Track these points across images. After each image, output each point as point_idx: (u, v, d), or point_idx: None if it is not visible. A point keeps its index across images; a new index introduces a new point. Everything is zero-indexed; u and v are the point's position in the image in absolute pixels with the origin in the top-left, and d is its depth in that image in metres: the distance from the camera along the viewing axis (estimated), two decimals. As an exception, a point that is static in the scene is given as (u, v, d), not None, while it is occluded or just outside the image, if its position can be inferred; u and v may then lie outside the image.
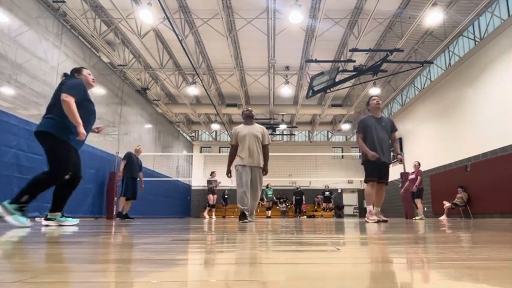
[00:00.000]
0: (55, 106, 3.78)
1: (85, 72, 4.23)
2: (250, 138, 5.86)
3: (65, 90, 3.74)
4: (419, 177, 10.70)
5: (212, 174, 14.76)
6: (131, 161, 8.99)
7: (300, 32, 13.54)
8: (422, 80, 16.95)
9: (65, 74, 4.16)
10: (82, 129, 3.74)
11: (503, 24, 10.92)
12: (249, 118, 6.10)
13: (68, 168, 3.79)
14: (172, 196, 17.84)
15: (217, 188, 14.82)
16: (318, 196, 23.22)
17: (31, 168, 7.22)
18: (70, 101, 3.70)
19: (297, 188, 19.75)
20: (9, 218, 3.36)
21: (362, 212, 24.51)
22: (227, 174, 6.09)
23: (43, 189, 3.62)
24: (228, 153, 6.09)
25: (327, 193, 20.68)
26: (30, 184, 3.56)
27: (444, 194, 12.90)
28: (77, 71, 4.22)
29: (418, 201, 10.76)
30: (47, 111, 3.85)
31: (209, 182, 14.50)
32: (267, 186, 18.50)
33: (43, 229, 3.18)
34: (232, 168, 5.98)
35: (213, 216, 14.70)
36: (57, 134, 3.73)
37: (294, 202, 20.01)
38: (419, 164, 11.02)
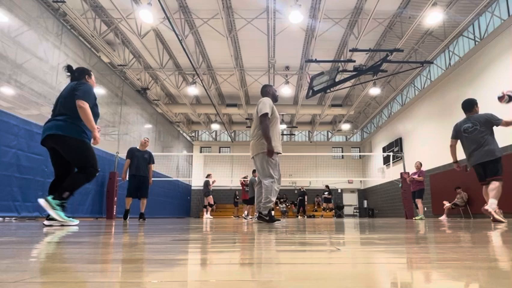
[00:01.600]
0: (68, 109, 3.87)
1: (93, 77, 4.38)
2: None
3: (81, 97, 3.83)
4: (421, 177, 10.78)
5: (209, 176, 14.91)
6: (134, 158, 8.26)
7: (300, 32, 13.54)
8: (422, 80, 16.95)
9: (69, 68, 4.24)
10: (97, 134, 3.92)
11: (503, 24, 10.92)
12: (276, 101, 5.13)
13: (96, 163, 3.96)
14: (172, 196, 17.84)
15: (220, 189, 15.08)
16: (318, 197, 23.24)
17: (31, 168, 7.23)
18: (86, 107, 3.82)
19: (300, 189, 19.79)
20: (52, 212, 3.53)
21: (361, 212, 24.53)
22: (272, 156, 4.62)
23: (80, 186, 3.86)
24: (266, 126, 4.62)
25: (326, 193, 20.70)
26: (70, 182, 3.78)
27: (444, 194, 12.90)
28: (88, 74, 4.30)
29: (419, 201, 10.80)
30: (59, 113, 3.92)
31: (207, 183, 14.61)
32: None
33: (45, 229, 3.18)
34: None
35: (208, 216, 14.75)
36: (76, 136, 3.85)
37: (297, 202, 20.05)
38: (421, 164, 11.09)
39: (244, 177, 14.95)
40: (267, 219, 4.66)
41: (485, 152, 5.54)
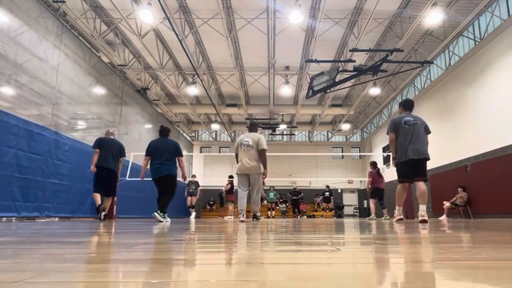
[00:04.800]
0: (173, 158, 6.41)
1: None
2: None
3: (181, 154, 6.51)
4: (369, 179, 10.58)
5: (193, 176, 14.85)
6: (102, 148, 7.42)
7: (300, 32, 13.53)
8: (422, 80, 16.95)
9: (161, 128, 6.69)
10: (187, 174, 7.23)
11: (503, 24, 10.91)
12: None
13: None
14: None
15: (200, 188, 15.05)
16: (318, 196, 23.19)
17: (31, 168, 7.22)
18: (184, 160, 6.60)
19: (294, 189, 19.68)
20: (164, 220, 5.99)
21: (361, 212, 24.52)
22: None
23: (169, 203, 6.38)
24: (266, 158, 6.63)
25: (327, 193, 20.53)
26: (165, 203, 6.24)
27: (444, 194, 12.90)
28: (170, 131, 6.68)
29: (372, 201, 10.58)
30: (168, 159, 6.33)
31: (188, 184, 14.38)
32: (269, 189, 18.70)
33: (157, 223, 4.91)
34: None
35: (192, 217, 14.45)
36: (176, 174, 6.50)
37: (291, 202, 19.90)
38: (370, 164, 10.82)
39: (231, 177, 14.96)
40: (258, 219, 6.79)
41: (423, 149, 5.43)
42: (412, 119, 5.56)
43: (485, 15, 11.97)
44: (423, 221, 5.11)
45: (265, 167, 6.47)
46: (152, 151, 6.41)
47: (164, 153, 6.29)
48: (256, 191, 6.46)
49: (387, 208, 10.48)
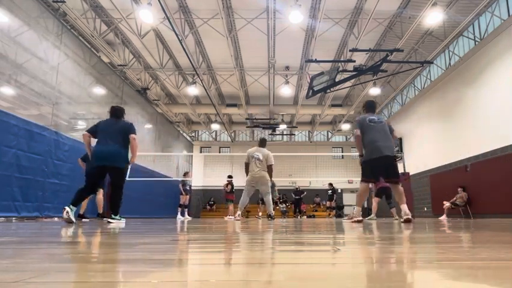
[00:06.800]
0: (126, 137, 5.31)
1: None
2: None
3: (134, 131, 5.37)
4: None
5: (186, 174, 14.63)
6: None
7: (300, 32, 13.53)
8: (422, 80, 16.95)
9: (114, 109, 5.51)
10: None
11: (503, 24, 10.92)
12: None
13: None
14: (172, 196, 17.83)
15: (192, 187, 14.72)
16: (318, 196, 23.14)
17: (31, 168, 7.22)
18: (137, 139, 5.43)
19: (297, 188, 19.63)
20: (119, 223, 5.00)
21: (362, 212, 24.49)
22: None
23: (121, 199, 5.31)
24: (272, 171, 7.74)
25: (330, 192, 20.17)
26: (116, 201, 5.25)
27: (444, 194, 12.90)
28: (124, 112, 5.60)
29: (374, 201, 10.41)
30: (119, 143, 5.21)
31: (184, 182, 14.11)
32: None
33: (109, 226, 4.20)
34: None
35: (187, 217, 14.11)
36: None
37: (293, 202, 19.81)
38: None
39: (230, 177, 14.84)
40: (273, 218, 7.79)
41: (393, 148, 5.52)
42: (376, 118, 5.62)
43: (485, 15, 11.97)
44: (408, 220, 5.02)
45: (271, 178, 7.59)
46: (99, 131, 5.30)
47: (114, 134, 5.25)
48: (268, 195, 7.49)
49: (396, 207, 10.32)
